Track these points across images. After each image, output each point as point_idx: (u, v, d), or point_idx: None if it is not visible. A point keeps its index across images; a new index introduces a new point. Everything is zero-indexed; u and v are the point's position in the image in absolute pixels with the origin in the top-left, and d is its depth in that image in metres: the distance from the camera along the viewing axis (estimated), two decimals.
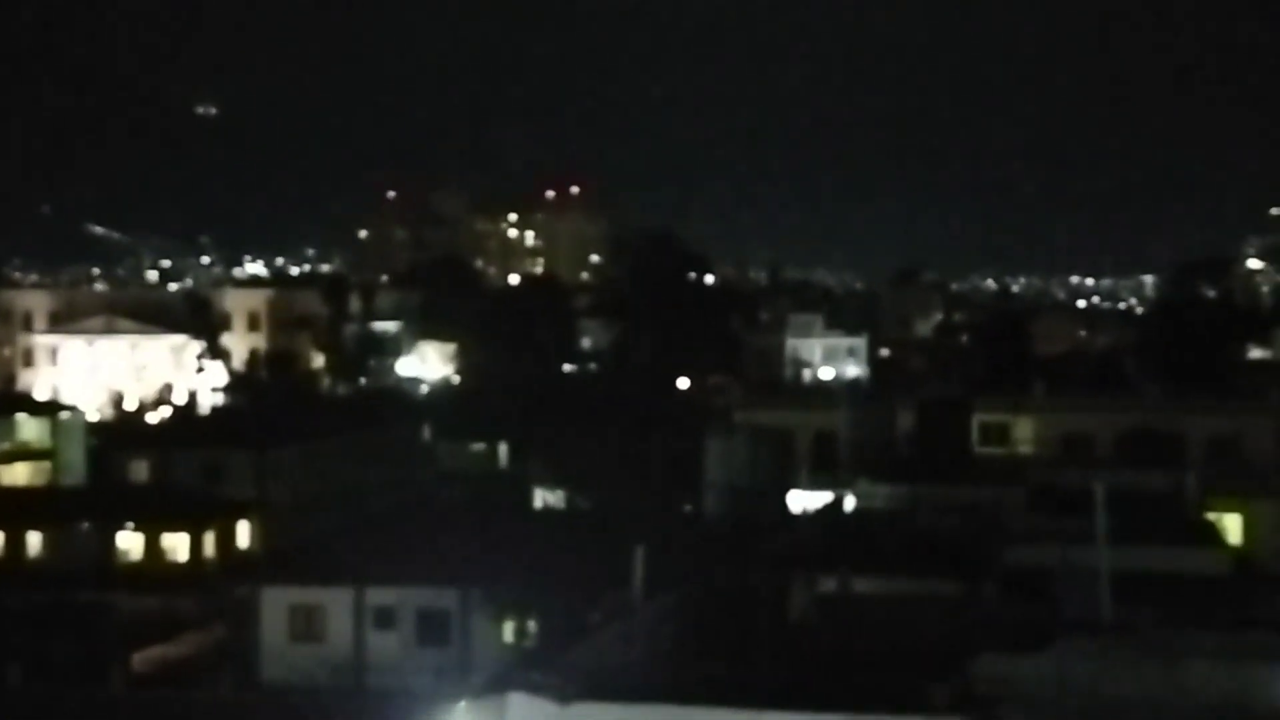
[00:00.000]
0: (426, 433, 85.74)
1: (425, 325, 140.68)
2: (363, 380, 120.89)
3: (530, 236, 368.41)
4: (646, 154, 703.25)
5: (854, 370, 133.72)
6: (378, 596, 48.35)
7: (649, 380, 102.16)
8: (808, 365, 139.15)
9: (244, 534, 62.78)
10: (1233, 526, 50.00)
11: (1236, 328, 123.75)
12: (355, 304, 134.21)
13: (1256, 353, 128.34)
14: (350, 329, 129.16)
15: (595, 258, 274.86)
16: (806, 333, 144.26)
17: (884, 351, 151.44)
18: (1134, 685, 23.36)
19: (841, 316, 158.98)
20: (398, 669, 46.30)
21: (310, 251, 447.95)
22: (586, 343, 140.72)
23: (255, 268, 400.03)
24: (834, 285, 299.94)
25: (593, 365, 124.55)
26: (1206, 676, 23.33)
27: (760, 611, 27.71)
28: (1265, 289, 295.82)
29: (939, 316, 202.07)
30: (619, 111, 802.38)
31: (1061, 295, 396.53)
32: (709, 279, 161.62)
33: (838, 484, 50.08)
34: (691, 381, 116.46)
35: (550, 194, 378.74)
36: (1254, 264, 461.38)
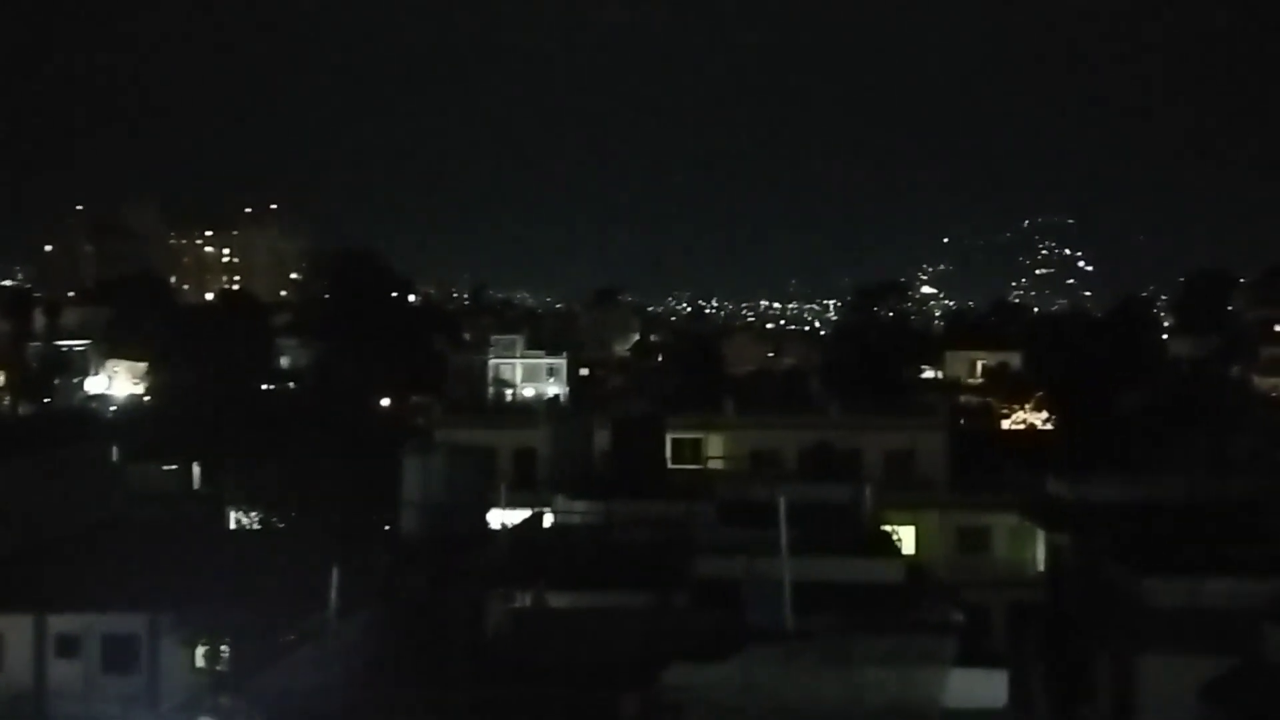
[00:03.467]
0: (115, 453, 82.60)
1: (115, 343, 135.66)
2: (47, 400, 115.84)
3: (226, 253, 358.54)
4: (349, 173, 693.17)
5: (554, 389, 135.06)
6: (60, 623, 46.60)
7: (349, 399, 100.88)
8: (509, 384, 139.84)
9: None
10: (906, 536, 52.65)
11: (911, 349, 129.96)
12: (39, 320, 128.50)
13: (929, 372, 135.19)
14: (34, 346, 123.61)
15: (294, 275, 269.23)
16: (508, 352, 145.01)
17: (584, 370, 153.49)
18: (813, 689, 24.44)
19: (542, 336, 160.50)
20: (83, 698, 44.73)
21: None
22: (285, 361, 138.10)
23: None
24: (535, 305, 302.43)
25: (291, 384, 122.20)
26: (879, 679, 24.57)
27: (456, 629, 27.93)
28: (937, 312, 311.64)
29: (635, 336, 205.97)
30: (321, 130, 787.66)
31: (751, 317, 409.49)
32: (411, 298, 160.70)
33: (537, 501, 50.62)
34: (393, 400, 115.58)
35: (248, 210, 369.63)
36: (927, 289, 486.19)
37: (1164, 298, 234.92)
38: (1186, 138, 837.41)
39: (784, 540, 27.31)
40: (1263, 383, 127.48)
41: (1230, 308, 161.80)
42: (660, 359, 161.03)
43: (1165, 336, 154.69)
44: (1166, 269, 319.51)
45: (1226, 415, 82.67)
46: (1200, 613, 33.71)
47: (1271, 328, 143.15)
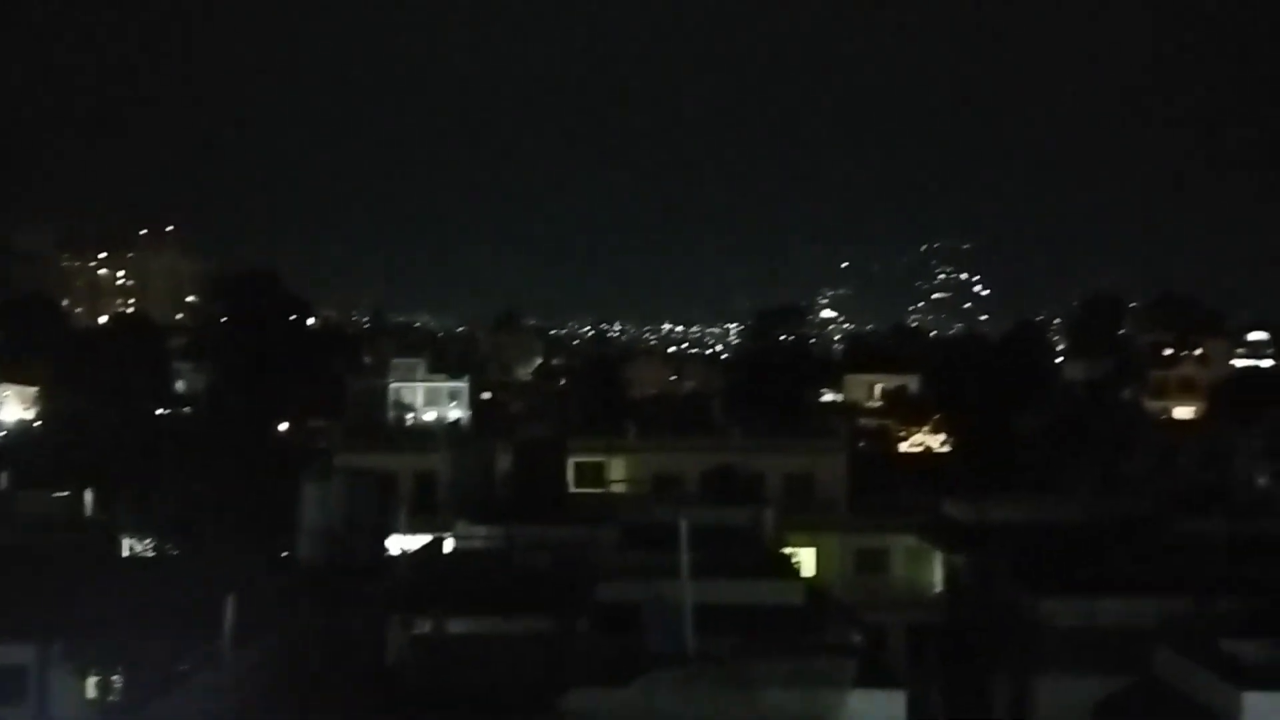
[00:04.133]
0: (4, 480, 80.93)
1: (5, 367, 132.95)
2: None
3: (121, 275, 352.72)
4: (247, 195, 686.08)
5: (456, 413, 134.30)
6: None
7: (246, 424, 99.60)
8: (410, 408, 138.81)
9: None
10: (807, 558, 52.94)
11: (810, 372, 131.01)
12: None
13: (828, 395, 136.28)
14: None
15: (191, 298, 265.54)
16: (409, 376, 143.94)
17: (485, 394, 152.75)
18: (714, 712, 24.47)
19: (444, 360, 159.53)
20: None
21: None
22: (181, 385, 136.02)
23: None
24: (437, 329, 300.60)
25: (187, 408, 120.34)
26: (780, 701, 24.65)
27: (355, 656, 27.66)
28: (837, 336, 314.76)
29: (538, 360, 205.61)
30: (219, 150, 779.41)
31: (654, 341, 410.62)
32: (310, 321, 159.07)
33: (438, 526, 50.26)
34: (291, 425, 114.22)
35: (143, 231, 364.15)
36: (827, 313, 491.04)
37: (1058, 321, 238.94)
38: (1080, 164, 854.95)
39: (685, 563, 27.33)
40: (1153, 405, 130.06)
41: (1122, 331, 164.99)
42: (563, 383, 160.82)
43: (1059, 360, 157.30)
44: (1061, 294, 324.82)
45: (1119, 437, 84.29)
46: (1094, 632, 34.25)
47: (1161, 351, 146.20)
